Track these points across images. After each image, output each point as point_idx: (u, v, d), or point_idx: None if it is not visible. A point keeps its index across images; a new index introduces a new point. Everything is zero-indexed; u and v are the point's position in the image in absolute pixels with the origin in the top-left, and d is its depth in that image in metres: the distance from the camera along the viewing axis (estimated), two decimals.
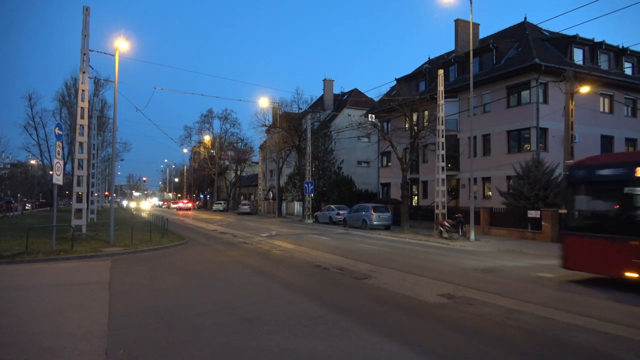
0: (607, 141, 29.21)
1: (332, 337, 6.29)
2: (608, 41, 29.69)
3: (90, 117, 26.32)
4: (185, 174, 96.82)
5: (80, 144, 18.29)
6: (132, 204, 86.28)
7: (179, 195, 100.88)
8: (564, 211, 12.09)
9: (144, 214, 46.29)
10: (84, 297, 8.68)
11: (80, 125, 18.07)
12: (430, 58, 40.32)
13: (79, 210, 18.78)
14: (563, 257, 11.18)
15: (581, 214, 11.64)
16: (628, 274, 9.58)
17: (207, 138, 67.81)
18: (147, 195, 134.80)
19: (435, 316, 7.58)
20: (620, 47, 30.27)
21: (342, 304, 8.41)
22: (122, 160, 70.08)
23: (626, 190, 10.14)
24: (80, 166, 18.65)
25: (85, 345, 5.87)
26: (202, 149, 70.94)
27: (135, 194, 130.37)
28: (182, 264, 13.50)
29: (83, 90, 18.12)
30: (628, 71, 30.75)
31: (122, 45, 18.13)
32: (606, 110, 29.58)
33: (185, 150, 77.34)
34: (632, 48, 29.91)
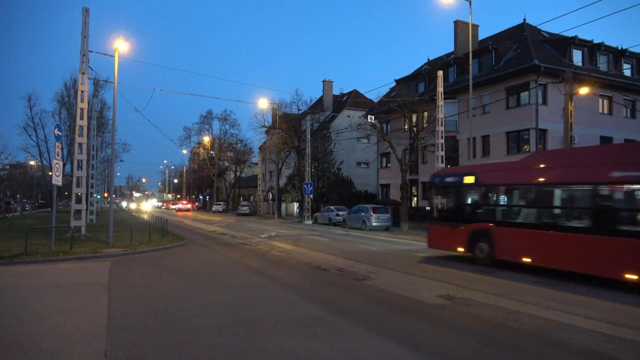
0: (606, 142, 29.21)
1: (332, 338, 6.29)
2: (607, 42, 29.75)
3: (89, 118, 26.33)
4: (184, 175, 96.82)
5: (80, 144, 18.29)
6: (132, 205, 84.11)
7: (179, 196, 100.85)
8: (428, 208, 17.05)
9: (144, 216, 45.28)
10: (83, 298, 8.67)
11: (80, 126, 18.07)
12: (430, 59, 40.37)
13: (78, 211, 18.78)
14: (428, 240, 16.05)
15: (437, 209, 15.79)
16: (459, 249, 14.46)
17: (206, 139, 67.83)
18: (147, 196, 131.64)
19: (435, 317, 7.58)
20: (620, 48, 30.31)
21: (342, 305, 8.41)
22: (121, 161, 70.12)
23: (458, 192, 14.93)
24: (79, 167, 18.64)
25: (84, 346, 5.87)
26: (201, 149, 70.97)
27: (136, 194, 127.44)
28: (182, 265, 13.50)
29: (82, 91, 18.12)
30: (627, 72, 30.80)
31: (121, 46, 18.13)
32: (605, 111, 29.62)
33: (184, 151, 77.42)
34: (631, 49, 29.95)
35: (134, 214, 54.75)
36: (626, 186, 10.45)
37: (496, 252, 12.98)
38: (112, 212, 18.61)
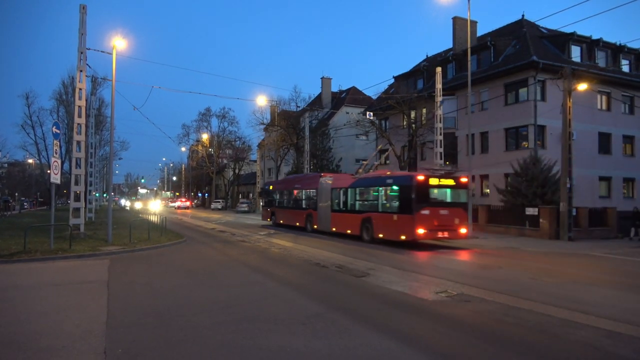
0: (604, 138, 29.29)
1: (331, 335, 6.30)
2: (605, 38, 29.76)
3: (87, 115, 26.27)
4: (183, 172, 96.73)
5: (78, 142, 18.25)
6: (137, 204, 65.09)
7: (177, 193, 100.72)
8: (261, 203, 35.39)
9: (153, 218, 28.85)
10: (83, 296, 8.67)
11: (78, 124, 18.04)
12: (428, 56, 40.33)
13: (77, 209, 18.76)
14: (266, 218, 31.19)
15: (265, 201, 32.31)
16: (269, 220, 30.40)
17: (205, 136, 67.77)
18: (156, 193, 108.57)
19: (434, 313, 7.60)
20: (618, 44, 30.32)
21: (341, 302, 8.42)
22: (120, 159, 70.11)
23: (268, 192, 31.40)
24: (78, 165, 18.59)
25: (84, 344, 5.87)
26: (200, 147, 70.94)
27: (142, 191, 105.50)
28: (181, 262, 13.50)
29: (80, 89, 18.06)
30: (625, 68, 30.82)
31: (119, 43, 18.07)
32: (604, 107, 29.65)
33: (183, 149, 77.42)
34: (629, 45, 30.00)
35: (140, 215, 40.15)
36: (311, 190, 25.17)
37: (276, 220, 29.24)
38: (110, 210, 18.59)
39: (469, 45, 23.71)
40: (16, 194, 72.45)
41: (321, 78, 56.12)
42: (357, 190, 20.99)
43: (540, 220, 21.90)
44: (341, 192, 22.01)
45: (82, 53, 17.49)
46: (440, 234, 17.46)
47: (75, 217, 18.55)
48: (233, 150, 67.96)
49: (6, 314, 7.40)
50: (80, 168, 18.55)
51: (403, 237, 17.44)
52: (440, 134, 24.44)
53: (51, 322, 6.89)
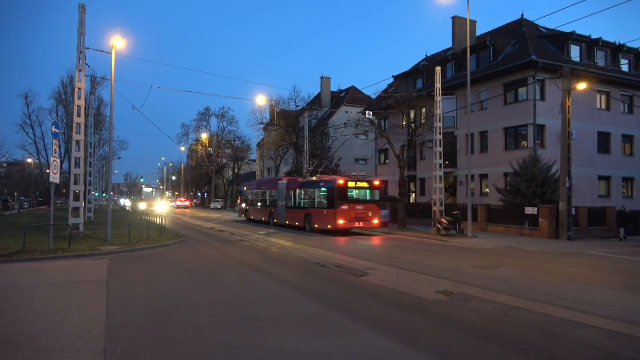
0: (604, 138, 29.31)
1: (331, 335, 6.30)
2: (605, 38, 29.78)
3: (87, 115, 26.25)
4: (182, 172, 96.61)
5: (77, 142, 18.23)
6: (142, 205, 55.24)
7: (177, 193, 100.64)
8: (239, 200, 41.76)
9: (156, 219, 24.45)
10: (82, 296, 8.67)
11: (77, 123, 18.01)
12: (428, 55, 40.35)
13: (77, 209, 18.74)
14: (241, 215, 36.71)
15: (241, 200, 38.30)
16: (242, 217, 36.21)
17: (204, 136, 67.72)
18: (163, 193, 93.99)
19: (434, 313, 7.60)
20: (617, 43, 30.33)
21: (341, 301, 8.42)
22: (119, 158, 70.04)
23: (245, 193, 36.72)
24: (77, 165, 18.57)
25: (83, 344, 5.87)
26: (199, 147, 70.93)
27: (146, 190, 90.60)
28: (180, 262, 13.50)
29: (80, 89, 18.04)
30: (625, 68, 30.82)
31: (118, 43, 18.04)
32: (603, 107, 29.66)
33: (182, 149, 77.40)
34: (629, 45, 30.00)
35: (145, 218, 29.27)
36: (273, 192, 29.65)
37: (249, 216, 34.25)
38: (110, 209, 18.58)
39: (468, 45, 23.67)
40: (15, 194, 72.36)
41: (321, 77, 56.10)
42: (302, 191, 26.21)
43: (540, 219, 21.91)
44: (292, 193, 27.17)
45: (81, 53, 17.47)
46: (357, 224, 22.91)
47: (75, 217, 18.53)
48: (232, 150, 67.98)
49: (6, 313, 7.39)
50: (79, 168, 18.53)
51: (329, 227, 22.78)
52: (440, 134, 24.42)
53: (51, 322, 6.88)
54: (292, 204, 27.04)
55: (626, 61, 31.08)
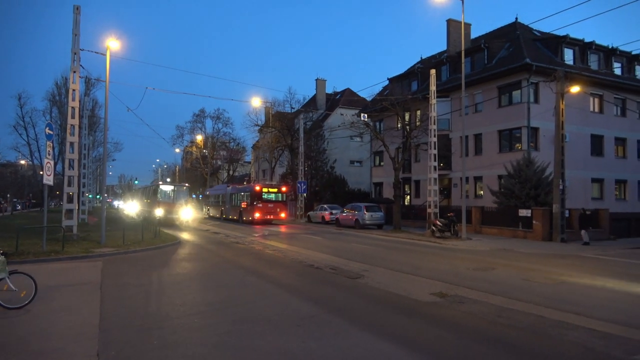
0: (597, 140, 29.50)
1: (326, 336, 6.30)
2: (598, 41, 29.99)
3: (81, 116, 26.12)
4: (177, 173, 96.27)
5: (71, 143, 18.15)
6: (159, 211, 31.35)
7: None
8: (206, 206, 48.13)
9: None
10: (75, 298, 8.62)
11: (71, 125, 17.93)
12: (423, 58, 40.47)
13: (70, 211, 18.63)
14: (204, 213, 46.53)
15: (206, 201, 48.87)
16: (217, 216, 41.62)
17: (199, 138, 67.48)
18: (187, 193, 44.22)
19: (428, 315, 7.62)
20: (610, 47, 30.56)
21: (335, 303, 8.43)
22: (113, 160, 69.78)
23: (208, 195, 48.31)
24: (71, 166, 18.48)
25: (76, 346, 5.84)
26: (194, 148, 70.60)
27: (165, 188, 40.34)
28: (174, 264, 13.45)
29: (74, 90, 17.96)
30: (617, 71, 31.05)
31: (113, 44, 18.00)
32: (596, 109, 29.87)
33: (177, 150, 76.96)
34: (621, 48, 30.21)
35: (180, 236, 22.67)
36: (222, 194, 40.75)
37: (209, 214, 44.41)
38: (104, 211, 18.50)
39: (462, 48, 23.77)
40: (8, 195, 71.80)
41: (316, 79, 56.06)
42: (238, 194, 36.70)
43: (534, 221, 22.01)
44: (232, 195, 37.84)
45: (75, 54, 17.40)
46: (269, 217, 32.93)
47: (68, 219, 18.42)
48: (227, 151, 67.76)
49: None
50: (73, 169, 18.44)
51: (251, 219, 32.51)
52: (434, 136, 24.51)
53: (43, 324, 6.84)
54: (232, 203, 37.62)
55: (619, 64, 31.31)
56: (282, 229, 29.25)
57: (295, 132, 42.02)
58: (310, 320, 7.13)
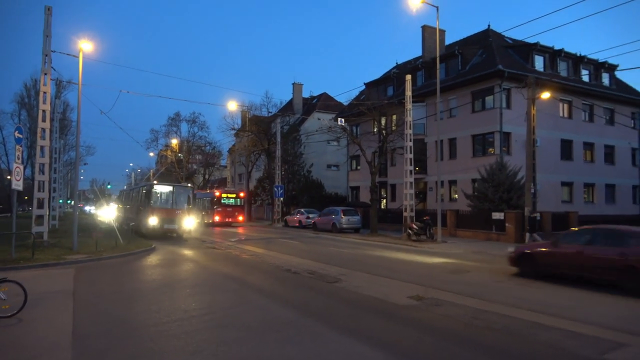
0: (566, 145, 30.37)
1: (305, 341, 6.31)
2: (567, 49, 30.94)
3: (52, 119, 25.45)
4: (151, 178, 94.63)
5: (42, 147, 17.65)
6: (153, 220, 23.50)
7: None
8: (202, 213, 39.58)
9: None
10: (48, 307, 8.40)
11: (42, 128, 17.44)
12: (398, 63, 40.96)
13: (40, 217, 18.10)
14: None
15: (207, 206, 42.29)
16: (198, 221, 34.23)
17: (174, 141, 66.55)
18: (193, 195, 34.42)
19: (406, 318, 7.71)
20: (579, 55, 31.54)
21: (314, 308, 8.44)
22: (85, 164, 68.04)
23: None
24: (41, 171, 17.97)
25: (50, 356, 5.70)
26: (169, 152, 69.52)
27: (162, 188, 27.15)
28: (149, 270, 13.24)
29: (45, 92, 17.51)
30: (585, 78, 32.07)
31: (85, 46, 17.61)
32: (565, 115, 30.78)
33: (151, 154, 75.61)
34: (589, 56, 31.21)
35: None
36: (200, 199, 38.33)
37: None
38: (76, 216, 18.06)
39: (437, 54, 24.18)
40: None
41: (293, 84, 56.13)
42: (200, 199, 38.64)
43: (507, 224, 22.49)
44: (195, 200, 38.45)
45: (46, 56, 16.97)
46: (227, 219, 36.48)
47: (39, 225, 17.89)
48: (203, 155, 66.98)
49: None
50: (44, 174, 17.94)
51: (212, 221, 36.02)
52: (410, 140, 24.82)
53: (16, 334, 6.65)
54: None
55: (586, 71, 32.35)
56: (240, 230, 32.56)
57: (273, 136, 41.91)
58: (289, 325, 7.12)
